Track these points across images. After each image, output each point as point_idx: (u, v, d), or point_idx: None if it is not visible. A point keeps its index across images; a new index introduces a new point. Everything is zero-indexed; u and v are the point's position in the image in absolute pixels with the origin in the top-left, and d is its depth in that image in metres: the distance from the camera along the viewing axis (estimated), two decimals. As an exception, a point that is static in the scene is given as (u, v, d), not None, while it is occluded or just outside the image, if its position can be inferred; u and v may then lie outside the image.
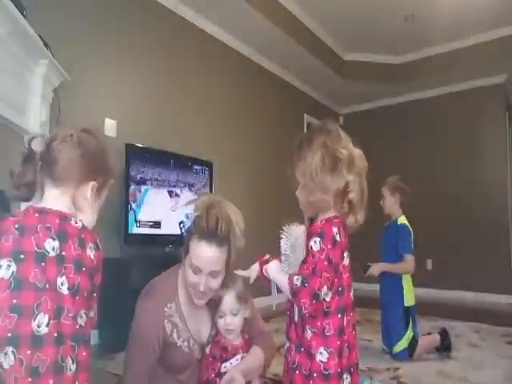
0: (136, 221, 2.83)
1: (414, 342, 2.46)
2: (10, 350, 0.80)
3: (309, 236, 1.11)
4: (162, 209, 3.03)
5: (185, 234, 1.30)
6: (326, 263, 1.05)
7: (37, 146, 0.98)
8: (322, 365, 1.06)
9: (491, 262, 4.80)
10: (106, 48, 2.99)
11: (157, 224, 2.97)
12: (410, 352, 2.44)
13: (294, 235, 1.13)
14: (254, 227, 3.65)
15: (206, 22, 3.86)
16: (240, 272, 1.31)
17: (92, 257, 0.95)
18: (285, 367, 1.17)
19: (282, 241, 1.14)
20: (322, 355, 1.06)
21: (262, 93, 4.69)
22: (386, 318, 2.61)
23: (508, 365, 2.37)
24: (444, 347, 2.52)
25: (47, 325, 0.84)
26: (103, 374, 2.02)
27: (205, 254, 1.24)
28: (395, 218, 2.68)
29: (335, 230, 1.08)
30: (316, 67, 4.85)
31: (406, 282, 2.56)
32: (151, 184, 2.96)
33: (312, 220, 1.17)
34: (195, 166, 3.36)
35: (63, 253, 0.90)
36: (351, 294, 1.15)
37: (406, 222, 2.65)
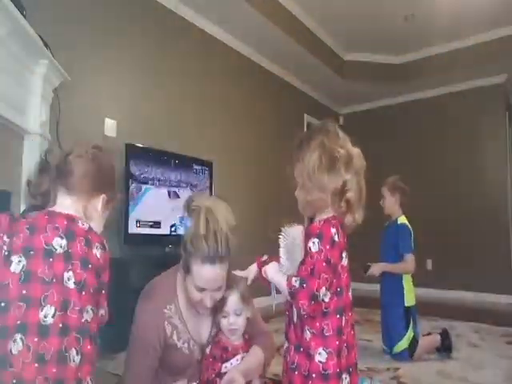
0: (136, 221, 2.83)
1: (414, 342, 2.45)
2: (18, 336, 0.86)
3: (307, 237, 1.10)
4: (162, 209, 3.03)
5: (183, 253, 1.26)
6: (324, 264, 1.05)
7: (53, 159, 1.08)
8: (321, 365, 1.06)
9: (491, 262, 4.80)
10: (106, 48, 2.99)
11: (157, 224, 2.97)
12: (410, 352, 2.44)
13: (292, 236, 1.13)
14: (254, 227, 3.67)
15: (205, 21, 3.86)
16: (238, 272, 1.31)
17: (98, 255, 1.00)
18: (284, 367, 1.17)
19: (280, 241, 1.14)
20: (320, 355, 1.07)
21: (262, 93, 4.69)
22: (386, 318, 2.61)
23: (508, 365, 2.37)
24: (444, 347, 2.52)
25: (53, 316, 0.89)
26: (103, 374, 2.02)
27: (209, 275, 1.23)
28: (395, 218, 2.68)
29: (333, 230, 1.08)
30: (316, 67, 4.85)
31: (407, 282, 2.56)
32: (151, 184, 2.96)
33: (311, 220, 1.17)
34: (195, 166, 3.36)
35: (70, 250, 0.96)
36: (350, 293, 1.15)
37: (406, 222, 2.65)
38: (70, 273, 0.94)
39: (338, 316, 1.09)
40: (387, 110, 5.88)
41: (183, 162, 3.25)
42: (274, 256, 1.18)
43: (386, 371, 2.26)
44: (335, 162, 1.10)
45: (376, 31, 4.58)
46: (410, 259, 2.56)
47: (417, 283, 2.65)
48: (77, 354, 0.91)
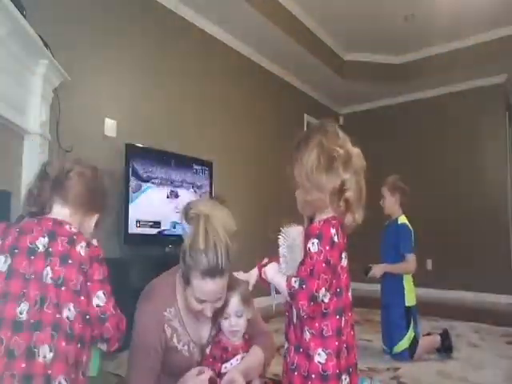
0: (136, 221, 2.83)
1: (414, 343, 2.45)
2: None
3: (307, 237, 1.10)
4: (162, 209, 3.02)
5: (182, 265, 1.24)
6: (324, 265, 1.05)
7: (52, 170, 1.12)
8: (320, 366, 1.06)
9: (491, 262, 4.79)
10: (106, 48, 2.99)
11: (157, 224, 2.97)
12: (410, 352, 2.44)
13: (291, 236, 1.12)
14: (254, 227, 3.66)
15: (205, 21, 3.86)
16: (240, 276, 1.29)
17: (82, 253, 1.02)
18: (284, 368, 1.17)
19: (279, 242, 1.14)
20: (320, 356, 1.06)
21: (262, 93, 4.69)
22: (387, 317, 2.60)
23: (508, 365, 2.37)
24: (445, 348, 2.52)
25: (28, 311, 0.93)
26: (103, 374, 2.02)
27: (210, 288, 1.22)
28: (395, 218, 2.68)
29: (333, 231, 1.08)
30: (316, 67, 4.85)
31: (407, 282, 2.56)
32: (151, 184, 2.96)
33: (311, 220, 1.17)
34: (195, 166, 3.36)
35: (50, 249, 1.00)
36: (349, 294, 1.15)
37: (407, 222, 2.64)
38: (48, 268, 0.97)
39: (337, 317, 1.09)
40: (387, 109, 5.88)
41: (183, 162, 3.25)
42: (274, 256, 1.18)
43: (386, 371, 2.26)
44: (333, 161, 1.09)
45: (376, 31, 4.58)
46: (411, 259, 2.55)
47: (417, 283, 2.65)
48: (50, 350, 0.91)
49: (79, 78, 2.67)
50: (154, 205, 2.97)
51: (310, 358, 1.07)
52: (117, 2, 3.09)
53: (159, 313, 1.31)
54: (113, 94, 3.05)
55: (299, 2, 4.09)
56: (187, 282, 1.25)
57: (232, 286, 1.32)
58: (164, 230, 3.01)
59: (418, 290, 2.66)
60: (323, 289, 1.04)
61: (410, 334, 2.46)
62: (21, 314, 0.92)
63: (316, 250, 1.06)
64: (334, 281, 1.08)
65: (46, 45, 2.07)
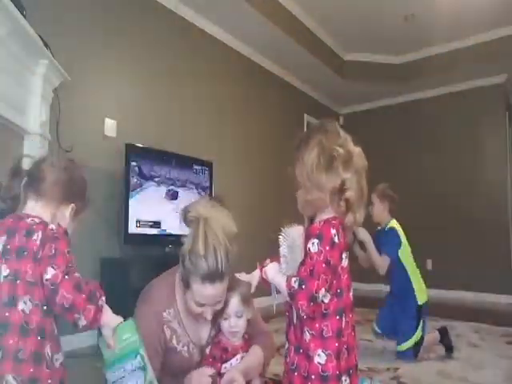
0: (136, 221, 2.83)
1: (420, 342, 2.45)
2: None
3: (307, 237, 1.10)
4: (162, 209, 3.02)
5: (182, 269, 1.24)
6: (324, 265, 1.04)
7: (26, 165, 1.11)
8: (320, 367, 1.06)
9: (491, 262, 4.80)
10: (106, 48, 2.99)
11: (157, 224, 2.97)
12: (415, 352, 2.44)
13: (292, 236, 1.12)
14: (254, 227, 3.67)
15: (205, 21, 3.86)
16: (242, 277, 1.29)
17: (38, 240, 0.98)
18: (284, 368, 1.16)
19: (280, 242, 1.13)
20: (320, 357, 1.06)
21: (262, 93, 4.69)
22: (397, 311, 2.56)
23: (508, 365, 2.37)
24: (444, 346, 2.53)
25: None
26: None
27: (209, 293, 1.22)
28: (385, 225, 2.67)
29: (333, 231, 1.07)
30: (316, 67, 4.85)
31: (416, 283, 2.53)
32: (151, 184, 2.96)
33: (311, 220, 1.17)
34: (195, 166, 3.36)
35: (8, 246, 0.97)
36: (350, 294, 1.14)
37: (396, 226, 2.63)
38: (4, 266, 0.95)
39: (337, 317, 1.08)
40: (387, 109, 5.88)
41: (183, 162, 3.25)
42: (275, 256, 1.18)
43: (386, 371, 2.25)
44: (333, 160, 1.09)
45: (376, 31, 4.58)
46: (384, 259, 2.52)
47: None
48: None
49: (79, 78, 2.67)
50: (154, 205, 2.97)
51: (309, 358, 1.07)
52: (117, 2, 3.09)
53: (159, 315, 1.31)
54: (113, 94, 3.05)
55: (299, 2, 4.09)
56: (187, 285, 1.25)
57: (232, 286, 1.32)
58: (164, 229, 3.01)
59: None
60: (323, 289, 1.04)
61: (418, 333, 2.46)
62: None
63: (316, 250, 1.05)
64: (334, 281, 1.07)
65: (46, 45, 2.07)
